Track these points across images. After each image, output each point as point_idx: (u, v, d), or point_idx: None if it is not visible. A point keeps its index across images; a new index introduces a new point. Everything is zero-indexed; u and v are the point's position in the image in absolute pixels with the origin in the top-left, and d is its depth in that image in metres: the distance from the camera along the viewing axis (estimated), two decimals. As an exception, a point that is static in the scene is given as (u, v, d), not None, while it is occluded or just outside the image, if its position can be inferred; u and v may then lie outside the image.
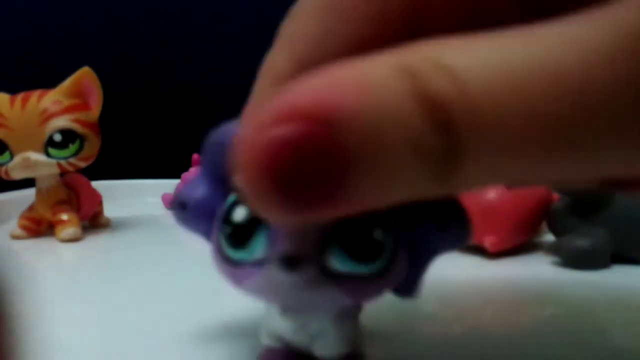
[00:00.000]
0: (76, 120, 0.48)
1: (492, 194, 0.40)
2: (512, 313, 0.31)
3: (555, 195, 0.43)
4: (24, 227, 0.50)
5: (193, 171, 0.67)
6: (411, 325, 0.29)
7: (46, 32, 0.85)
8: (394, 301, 0.33)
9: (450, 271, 0.40)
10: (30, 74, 0.79)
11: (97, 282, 0.38)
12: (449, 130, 0.10)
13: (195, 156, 0.68)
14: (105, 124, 0.51)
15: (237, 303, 0.33)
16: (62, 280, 0.39)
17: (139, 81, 0.87)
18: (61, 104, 0.47)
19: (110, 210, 0.58)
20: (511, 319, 0.30)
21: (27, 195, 0.53)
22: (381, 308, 0.32)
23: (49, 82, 0.49)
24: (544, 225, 0.46)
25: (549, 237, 0.47)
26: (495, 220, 0.40)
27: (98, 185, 0.57)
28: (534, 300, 0.33)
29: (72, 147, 0.48)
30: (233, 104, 0.73)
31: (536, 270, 0.39)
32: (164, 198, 0.69)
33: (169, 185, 0.70)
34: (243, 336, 0.27)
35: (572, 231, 0.38)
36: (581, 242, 0.37)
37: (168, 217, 0.64)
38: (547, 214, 0.41)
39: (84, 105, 0.49)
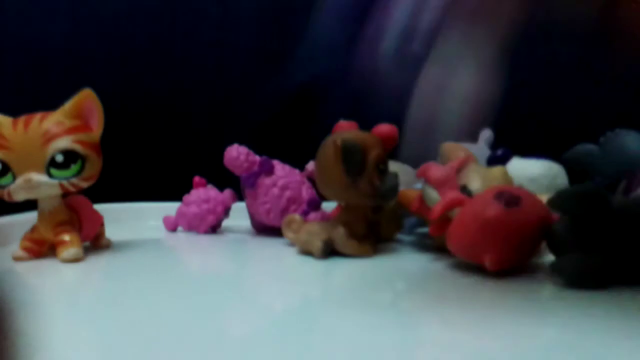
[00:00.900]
0: (78, 141, 0.48)
1: (494, 213, 0.41)
2: (511, 333, 0.31)
3: (555, 216, 0.43)
4: (26, 249, 0.50)
5: (194, 193, 0.67)
6: (410, 344, 0.29)
7: (50, 54, 0.86)
8: (393, 320, 0.33)
9: (450, 289, 0.40)
10: (32, 97, 0.80)
11: (98, 303, 0.38)
12: None
13: (196, 179, 0.69)
14: (107, 146, 0.52)
15: (236, 324, 0.33)
16: (64, 301, 0.39)
17: (141, 104, 0.88)
18: (63, 125, 0.48)
19: (111, 232, 0.59)
20: (510, 339, 0.30)
21: (29, 218, 0.53)
22: (378, 323, 0.32)
23: (52, 104, 0.49)
24: (544, 246, 0.46)
25: (549, 258, 0.47)
26: (496, 239, 0.40)
27: (100, 207, 0.57)
28: (533, 321, 0.33)
29: (74, 168, 0.48)
30: (234, 127, 0.74)
31: (536, 290, 0.39)
32: (165, 220, 0.69)
33: (170, 208, 0.70)
34: (244, 351, 0.27)
35: (571, 251, 0.38)
36: (580, 262, 0.37)
37: (169, 239, 0.64)
38: (547, 234, 0.41)
39: (86, 127, 0.49)
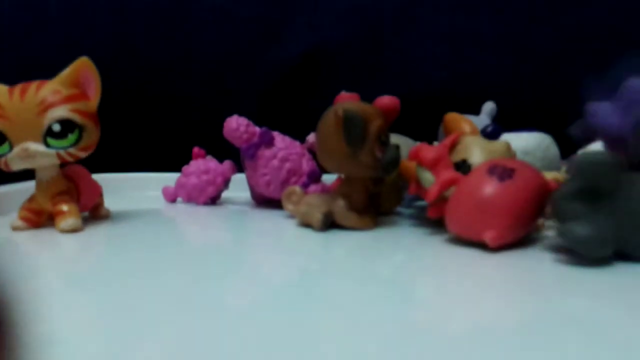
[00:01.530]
0: (75, 110, 0.47)
1: (489, 188, 0.40)
2: (510, 305, 0.30)
3: (553, 184, 0.42)
4: (24, 219, 0.50)
5: (193, 164, 0.67)
6: (408, 316, 0.29)
7: (47, 21, 0.85)
8: (391, 292, 0.33)
9: (450, 262, 0.40)
10: (30, 63, 0.79)
11: (96, 274, 0.38)
12: None
13: (195, 149, 0.68)
14: (105, 116, 0.51)
15: (235, 296, 0.33)
16: (63, 271, 0.39)
17: (140, 73, 0.87)
18: (60, 94, 0.47)
19: (110, 203, 0.58)
20: (509, 311, 0.30)
21: (28, 187, 0.53)
22: (377, 295, 0.32)
23: (49, 72, 0.49)
24: (543, 219, 0.46)
25: (550, 229, 0.47)
26: (495, 215, 0.40)
27: (99, 177, 0.57)
28: (532, 293, 0.33)
29: (71, 137, 0.48)
30: (234, 97, 0.74)
31: (535, 264, 0.38)
32: (165, 191, 0.69)
33: (169, 178, 0.70)
34: (243, 323, 0.27)
35: (576, 218, 0.37)
36: (584, 228, 0.36)
37: (168, 210, 0.64)
38: (551, 199, 0.40)
39: (83, 95, 0.49)
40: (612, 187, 0.37)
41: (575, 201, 0.38)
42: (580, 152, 0.50)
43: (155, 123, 0.88)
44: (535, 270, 0.37)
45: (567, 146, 0.56)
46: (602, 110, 0.41)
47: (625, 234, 0.37)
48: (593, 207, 0.37)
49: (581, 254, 0.37)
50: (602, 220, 0.37)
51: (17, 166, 0.48)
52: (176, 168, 0.69)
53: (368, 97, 0.50)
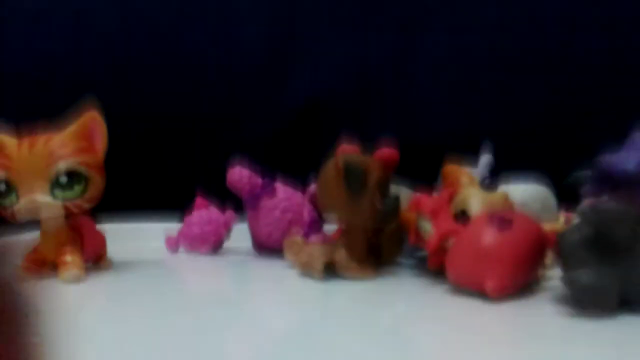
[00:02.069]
0: (82, 163, 0.49)
1: (489, 238, 0.41)
2: (512, 357, 0.31)
3: (550, 235, 0.43)
4: (27, 269, 0.50)
5: (196, 214, 0.67)
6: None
7: (49, 63, 0.87)
8: (393, 343, 0.33)
9: (451, 313, 0.40)
10: (36, 107, 0.80)
11: (98, 324, 0.38)
12: None
13: (198, 200, 0.69)
14: (109, 158, 0.52)
15: (237, 345, 0.33)
16: (64, 321, 0.39)
17: (145, 117, 0.87)
18: (68, 147, 0.48)
19: (113, 252, 0.59)
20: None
21: (31, 238, 0.53)
22: (378, 345, 0.32)
23: (54, 113, 0.50)
24: (542, 271, 0.46)
25: (550, 281, 0.47)
26: (494, 264, 0.40)
27: (102, 227, 0.57)
28: (534, 346, 0.33)
29: (77, 189, 0.49)
30: (237, 141, 0.73)
31: (537, 315, 0.38)
32: (167, 241, 0.69)
33: (172, 228, 0.70)
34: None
35: (583, 266, 0.37)
36: (590, 277, 0.36)
37: (170, 260, 0.64)
38: (558, 246, 0.40)
39: (90, 148, 0.50)
40: (621, 237, 0.37)
41: (582, 249, 0.38)
42: (586, 199, 0.51)
43: (159, 164, 0.88)
44: (536, 321, 0.37)
45: (567, 191, 0.56)
46: (617, 158, 0.41)
47: (632, 286, 0.37)
48: (600, 256, 0.37)
49: (584, 303, 0.37)
50: (609, 270, 0.37)
51: (23, 217, 0.49)
52: (179, 207, 0.69)
53: (368, 145, 0.51)
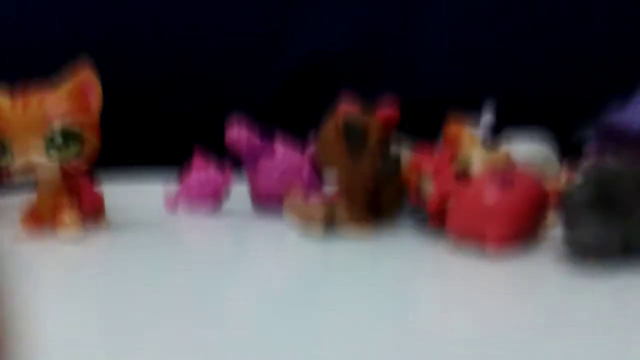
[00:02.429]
0: (77, 122, 0.48)
1: (490, 196, 0.40)
2: (512, 312, 0.31)
3: (552, 192, 0.42)
4: (25, 228, 0.50)
5: (195, 174, 0.67)
6: (409, 323, 0.29)
7: (42, 22, 0.85)
8: (392, 300, 0.33)
9: (451, 269, 0.40)
10: (26, 65, 0.78)
11: (98, 283, 0.38)
12: None
13: (196, 160, 0.68)
14: (107, 114, 0.51)
15: (236, 304, 0.33)
16: (64, 280, 0.39)
17: (143, 71, 0.86)
18: (62, 107, 0.48)
19: (112, 213, 0.58)
20: (511, 318, 0.30)
21: (29, 197, 0.53)
22: (378, 303, 0.32)
23: (48, 70, 0.49)
24: (543, 228, 0.46)
25: (551, 238, 0.47)
26: (496, 222, 0.40)
27: (100, 187, 0.57)
28: (534, 302, 0.33)
29: (73, 149, 0.48)
30: (233, 106, 0.73)
31: (537, 271, 0.38)
32: (166, 201, 0.69)
33: (170, 189, 0.70)
34: (244, 332, 0.27)
35: (585, 225, 0.37)
36: (592, 236, 0.36)
37: (169, 220, 0.64)
38: (561, 205, 0.39)
39: (84, 107, 0.49)
40: (625, 195, 0.37)
41: (585, 208, 0.37)
42: (589, 157, 0.50)
43: (158, 120, 0.87)
44: (537, 278, 0.37)
45: (569, 144, 0.56)
46: (622, 115, 0.41)
47: (634, 244, 0.36)
48: (603, 215, 0.37)
49: (586, 262, 0.37)
50: (612, 229, 0.36)
51: (20, 177, 0.48)
52: (178, 163, 0.69)
53: (369, 103, 0.50)
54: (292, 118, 0.83)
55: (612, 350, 0.24)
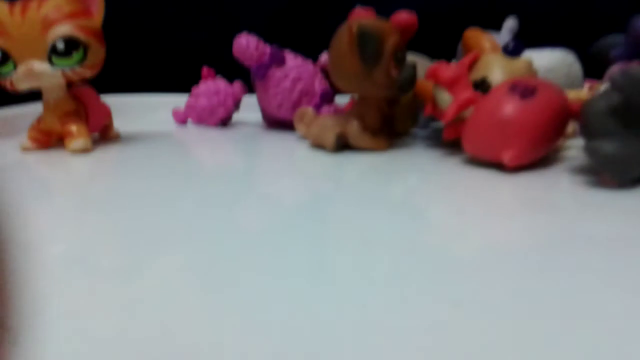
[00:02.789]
0: (79, 28, 0.46)
1: (510, 107, 0.39)
2: (527, 228, 0.30)
3: (574, 104, 0.41)
4: (33, 139, 0.50)
5: (203, 85, 0.65)
6: (422, 237, 0.28)
7: None
8: (404, 212, 0.33)
9: (465, 183, 0.39)
10: None
11: (109, 195, 0.37)
12: None
13: (204, 70, 0.66)
14: (112, 37, 0.49)
15: (247, 218, 0.33)
16: (74, 192, 0.38)
17: (146, 10, 0.83)
18: (62, 11, 0.45)
19: (120, 125, 0.58)
20: (524, 230, 0.29)
21: (36, 108, 0.52)
22: (390, 217, 0.31)
23: None
24: (563, 138, 0.45)
25: (569, 150, 0.46)
26: (515, 134, 0.38)
27: (107, 99, 0.56)
28: (550, 217, 0.32)
29: (76, 56, 0.46)
30: (244, 15, 0.70)
31: (554, 187, 0.37)
32: (175, 113, 0.68)
33: (179, 100, 0.69)
34: (255, 245, 0.27)
35: (607, 135, 0.35)
36: (614, 147, 0.34)
37: (178, 132, 0.63)
38: (582, 114, 0.37)
39: (86, 12, 0.47)
40: None
41: (607, 117, 0.35)
42: (615, 64, 0.48)
43: (163, 42, 0.85)
44: (554, 192, 0.37)
45: (592, 63, 0.53)
46: None
47: None
48: (626, 125, 0.35)
49: (605, 174, 0.36)
50: (634, 141, 0.35)
51: (22, 86, 0.47)
52: (185, 88, 0.68)
53: (384, 13, 0.47)
54: (303, 33, 0.80)
55: (628, 268, 0.24)
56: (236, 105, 0.65)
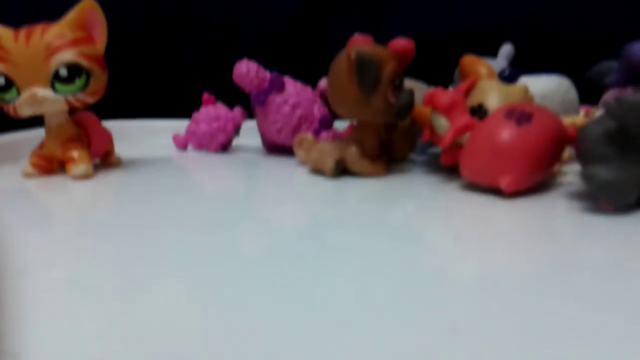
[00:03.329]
0: (81, 54, 0.47)
1: (507, 132, 0.39)
2: (524, 251, 0.30)
3: (570, 130, 0.41)
4: (35, 165, 0.50)
5: (204, 111, 0.66)
6: (421, 263, 0.29)
7: None
8: (403, 239, 0.33)
9: (463, 209, 0.39)
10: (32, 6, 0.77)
11: (110, 220, 0.38)
12: None
13: (205, 95, 0.67)
14: (114, 62, 0.50)
15: (247, 243, 0.33)
16: (76, 218, 0.39)
17: (149, 17, 0.84)
18: (65, 38, 0.46)
19: (121, 150, 0.58)
20: (523, 256, 0.29)
21: (38, 134, 0.52)
22: (389, 243, 0.31)
23: (53, 15, 0.48)
24: (558, 166, 0.45)
25: (566, 176, 0.46)
26: (512, 160, 0.39)
27: (108, 124, 0.56)
28: (547, 242, 0.32)
29: (79, 82, 0.47)
30: (244, 41, 0.71)
31: (550, 210, 0.38)
32: (175, 139, 0.68)
33: (179, 126, 0.69)
34: (254, 270, 0.27)
35: (603, 161, 0.35)
36: (609, 173, 0.35)
37: (179, 158, 0.64)
38: (579, 139, 0.38)
39: (89, 39, 0.48)
40: None
41: (603, 143, 0.36)
42: (610, 91, 0.48)
43: (164, 68, 0.86)
44: (551, 217, 0.37)
45: (588, 88, 0.54)
46: None
47: None
48: (622, 151, 0.35)
49: (602, 199, 0.36)
50: (630, 166, 0.35)
51: (25, 112, 0.48)
52: (185, 114, 0.68)
53: (382, 39, 0.48)
54: (301, 59, 0.81)
55: (625, 293, 0.24)
56: (236, 130, 0.66)
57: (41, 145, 0.51)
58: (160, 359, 0.18)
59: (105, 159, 0.56)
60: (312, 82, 0.61)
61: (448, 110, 0.44)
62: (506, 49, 0.56)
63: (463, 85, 0.46)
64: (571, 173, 0.47)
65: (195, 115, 0.66)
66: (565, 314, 0.21)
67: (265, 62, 0.60)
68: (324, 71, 0.50)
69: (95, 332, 0.20)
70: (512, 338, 0.19)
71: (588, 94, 0.57)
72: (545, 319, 0.21)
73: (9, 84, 0.47)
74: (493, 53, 0.59)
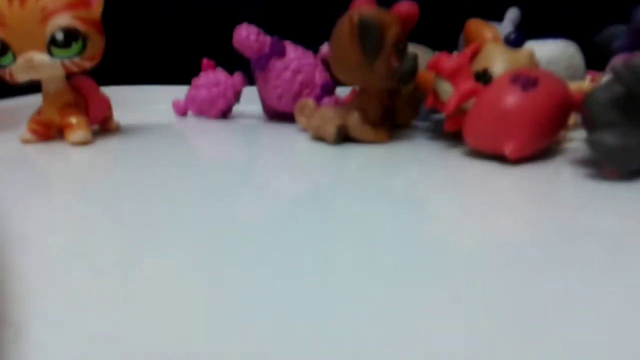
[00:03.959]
0: (78, 18, 0.45)
1: (512, 98, 0.38)
2: (528, 221, 0.30)
3: (576, 95, 0.40)
4: (33, 131, 0.50)
5: (203, 76, 0.65)
6: (423, 230, 0.28)
7: None
8: (405, 205, 0.33)
9: (467, 175, 0.39)
10: None
11: (109, 187, 0.37)
12: None
13: (204, 61, 0.66)
14: (112, 29, 0.49)
15: (247, 210, 0.33)
16: (74, 183, 0.38)
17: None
18: (61, 1, 0.45)
19: (120, 116, 0.57)
20: (525, 223, 0.29)
21: (36, 100, 0.52)
22: (391, 209, 0.31)
23: None
24: (565, 130, 0.45)
25: (571, 142, 0.46)
26: (516, 126, 0.38)
27: (107, 90, 0.56)
28: (551, 209, 0.32)
29: (75, 47, 0.46)
30: (244, 5, 0.70)
31: (555, 179, 0.37)
32: (175, 105, 0.67)
33: (179, 91, 0.69)
34: (255, 237, 0.27)
35: (609, 127, 0.35)
36: (616, 138, 0.34)
37: (178, 124, 0.63)
38: (584, 105, 0.37)
39: (85, 3, 0.47)
40: None
41: (609, 109, 0.35)
42: (618, 55, 0.47)
43: (163, 33, 0.85)
44: (555, 184, 0.36)
45: (594, 54, 0.53)
46: None
47: None
48: (629, 116, 0.35)
49: (608, 166, 0.35)
50: (636, 132, 0.35)
51: (22, 77, 0.47)
52: (185, 80, 0.67)
53: (386, 3, 0.47)
54: (303, 18, 0.80)
55: (630, 260, 0.24)
56: (236, 96, 0.65)
57: (39, 111, 0.50)
58: (160, 326, 0.18)
59: (104, 125, 0.55)
60: (313, 47, 0.60)
61: (452, 76, 0.43)
62: (512, 13, 0.55)
63: (468, 50, 0.45)
64: (576, 140, 0.46)
65: (195, 81, 0.65)
66: (569, 281, 0.21)
67: (265, 27, 0.59)
68: (325, 36, 0.49)
69: (92, 301, 0.20)
70: (516, 305, 0.19)
71: (594, 60, 0.56)
72: (549, 285, 0.21)
73: (5, 48, 0.46)
74: (499, 17, 0.58)
